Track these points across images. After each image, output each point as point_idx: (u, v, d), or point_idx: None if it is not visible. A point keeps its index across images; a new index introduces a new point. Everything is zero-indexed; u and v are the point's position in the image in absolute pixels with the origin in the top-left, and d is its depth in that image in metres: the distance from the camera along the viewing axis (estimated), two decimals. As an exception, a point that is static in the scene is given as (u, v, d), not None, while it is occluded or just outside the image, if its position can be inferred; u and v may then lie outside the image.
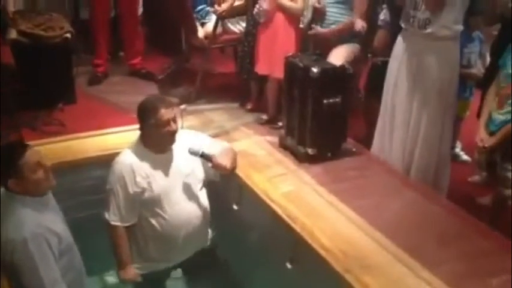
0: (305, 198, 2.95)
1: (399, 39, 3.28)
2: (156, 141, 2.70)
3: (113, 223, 2.69)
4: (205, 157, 2.77)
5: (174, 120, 2.67)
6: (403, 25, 3.22)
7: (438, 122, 3.19)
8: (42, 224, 2.25)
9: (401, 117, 3.27)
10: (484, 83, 3.41)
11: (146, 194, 2.68)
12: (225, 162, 2.77)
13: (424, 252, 2.46)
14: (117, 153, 2.98)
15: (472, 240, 2.61)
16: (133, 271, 2.76)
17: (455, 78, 3.22)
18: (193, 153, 2.76)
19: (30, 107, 3.86)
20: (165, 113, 2.62)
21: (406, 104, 3.23)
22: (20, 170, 2.24)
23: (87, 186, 3.28)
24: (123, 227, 2.71)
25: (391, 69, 3.33)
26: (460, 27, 3.13)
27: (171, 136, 2.69)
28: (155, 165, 2.71)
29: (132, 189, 2.66)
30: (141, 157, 2.70)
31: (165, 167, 2.73)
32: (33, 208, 2.28)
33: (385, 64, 3.46)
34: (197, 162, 2.82)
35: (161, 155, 2.73)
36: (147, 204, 2.71)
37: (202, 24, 4.63)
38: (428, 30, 3.07)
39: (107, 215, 2.70)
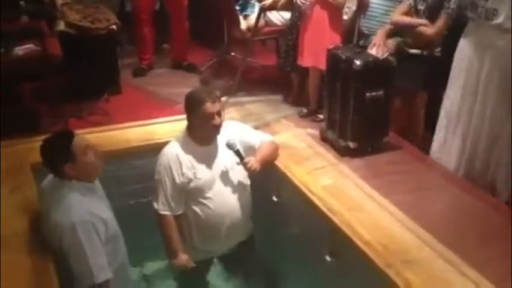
0: (345, 191, 2.93)
1: (465, 32, 3.15)
2: (201, 133, 2.74)
3: (162, 212, 2.75)
4: (238, 155, 2.79)
5: (219, 113, 2.71)
6: (469, 15, 3.10)
7: (504, 118, 3.04)
8: (90, 211, 2.32)
9: (466, 112, 3.17)
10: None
11: (192, 184, 2.73)
12: (255, 165, 2.78)
13: (466, 249, 2.42)
14: (159, 144, 3.05)
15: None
16: (185, 258, 2.79)
17: None
18: (229, 147, 2.78)
19: (77, 97, 3.96)
20: (210, 106, 2.66)
21: (472, 99, 3.12)
22: (73, 153, 2.34)
23: (131, 175, 3.34)
24: (172, 216, 2.76)
25: (458, 63, 3.21)
26: None
27: (215, 129, 2.72)
28: (200, 156, 2.75)
29: (179, 179, 2.71)
30: (187, 148, 2.75)
31: (209, 158, 2.77)
32: (82, 194, 2.36)
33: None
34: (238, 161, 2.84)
35: (206, 147, 2.78)
36: (192, 194, 2.76)
37: (245, 17, 4.64)
38: (497, 21, 2.94)
39: (155, 205, 2.75)
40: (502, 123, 3.04)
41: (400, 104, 3.72)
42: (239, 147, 2.79)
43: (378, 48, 3.30)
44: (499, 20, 2.93)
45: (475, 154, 3.16)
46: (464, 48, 3.17)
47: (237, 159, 2.79)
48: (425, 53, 3.49)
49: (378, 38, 3.48)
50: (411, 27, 3.52)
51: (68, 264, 2.29)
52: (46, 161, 2.41)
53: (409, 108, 3.75)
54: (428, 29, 3.43)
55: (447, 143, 3.30)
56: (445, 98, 3.32)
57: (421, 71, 3.47)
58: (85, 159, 2.38)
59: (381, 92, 3.17)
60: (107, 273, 2.30)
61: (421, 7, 3.51)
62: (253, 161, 2.77)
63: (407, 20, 3.54)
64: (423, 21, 3.47)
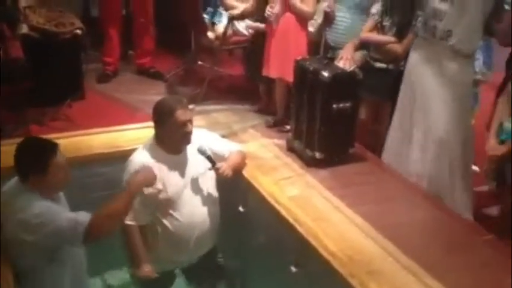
0: (311, 202, 2.94)
1: (414, 47, 3.31)
2: (172, 142, 2.71)
3: (127, 222, 2.67)
4: (210, 160, 2.77)
5: (190, 121, 2.69)
6: (420, 34, 3.26)
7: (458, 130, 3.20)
8: (51, 207, 2.26)
9: (419, 124, 3.27)
10: (498, 93, 3.41)
11: (161, 195, 2.69)
12: (227, 170, 2.77)
13: (429, 260, 2.45)
14: (124, 151, 3.00)
15: (478, 250, 2.60)
16: (148, 268, 2.73)
17: (471, 84, 3.28)
18: (201, 152, 2.76)
19: (39, 102, 3.87)
20: (181, 114, 2.64)
21: (424, 111, 3.24)
22: (47, 168, 2.27)
23: (92, 182, 3.27)
24: (137, 225, 2.70)
25: (408, 76, 3.34)
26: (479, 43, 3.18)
27: (187, 137, 2.69)
28: (169, 166, 2.71)
29: (147, 189, 2.65)
30: (156, 157, 2.70)
31: (179, 167, 2.74)
32: (44, 201, 2.29)
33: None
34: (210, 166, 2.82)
35: (176, 155, 2.74)
36: (161, 204, 2.72)
37: (213, 25, 4.63)
38: (450, 43, 3.09)
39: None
40: (447, 136, 3.17)
41: (366, 115, 3.77)
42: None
43: (346, 61, 3.34)
44: (452, 41, 3.06)
45: (421, 163, 3.26)
46: (412, 62, 3.31)
47: (207, 168, 2.77)
48: (390, 67, 3.56)
49: (346, 51, 3.54)
50: (380, 45, 3.59)
51: (40, 250, 2.25)
52: (17, 162, 2.33)
53: (375, 120, 3.81)
54: (398, 47, 3.52)
55: (402, 155, 3.39)
56: (395, 109, 3.43)
57: (386, 84, 3.54)
58: (55, 176, 2.31)
59: (347, 104, 3.20)
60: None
61: (386, 23, 3.58)
62: (225, 167, 2.75)
63: (376, 37, 3.61)
64: (391, 38, 3.55)
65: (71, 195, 2.60)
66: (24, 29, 4.11)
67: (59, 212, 2.27)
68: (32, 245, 2.26)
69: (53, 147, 2.33)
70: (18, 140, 2.47)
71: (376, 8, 3.62)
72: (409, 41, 3.45)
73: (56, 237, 2.24)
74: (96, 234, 2.27)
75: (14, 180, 2.40)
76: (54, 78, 4.00)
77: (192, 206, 2.76)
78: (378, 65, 3.61)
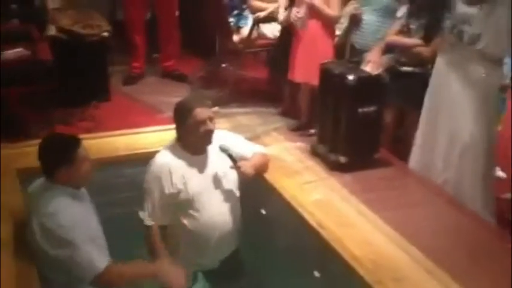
0: (335, 206, 2.91)
1: (441, 51, 3.27)
2: (193, 142, 2.70)
3: (148, 222, 2.69)
4: (232, 159, 2.77)
5: (211, 119, 2.68)
6: (448, 38, 3.21)
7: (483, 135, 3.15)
8: (76, 217, 2.29)
9: (445, 129, 3.23)
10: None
11: (181, 195, 2.69)
12: (249, 169, 2.76)
13: (454, 266, 2.41)
14: (147, 153, 3.02)
15: (503, 257, 2.53)
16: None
17: (498, 89, 3.23)
18: (223, 150, 2.76)
19: (66, 103, 3.92)
20: (201, 111, 2.63)
21: (450, 115, 3.20)
22: (73, 159, 2.32)
23: (117, 184, 3.30)
24: (158, 226, 2.71)
25: (435, 80, 3.30)
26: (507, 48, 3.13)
27: (208, 135, 2.69)
28: (191, 167, 2.71)
29: (168, 189, 2.66)
30: (178, 158, 2.71)
31: (200, 168, 2.74)
32: (69, 200, 2.33)
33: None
34: (231, 165, 2.81)
35: (197, 157, 2.74)
36: (182, 205, 2.71)
37: (238, 28, 4.64)
38: (478, 47, 3.04)
39: (141, 214, 2.70)
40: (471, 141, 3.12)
41: (392, 120, 3.74)
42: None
43: (373, 65, 3.31)
44: (480, 46, 3.02)
45: (448, 164, 3.21)
46: (439, 66, 3.26)
47: (229, 169, 2.76)
48: (417, 70, 3.51)
49: (374, 54, 3.51)
50: (406, 48, 3.55)
51: (61, 266, 2.25)
52: (43, 157, 2.37)
53: (401, 125, 3.77)
54: (425, 50, 3.48)
55: (426, 160, 3.35)
56: (421, 114, 3.38)
57: (413, 88, 3.48)
58: (82, 167, 2.36)
59: (373, 108, 3.17)
60: (105, 259, 2.28)
61: (412, 26, 3.54)
62: (247, 166, 2.74)
63: (403, 40, 3.58)
64: (418, 41, 3.50)
65: (95, 196, 2.62)
66: (52, 30, 4.18)
67: (84, 239, 2.26)
68: (44, 253, 2.29)
69: (76, 140, 2.40)
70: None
71: (402, 11, 3.58)
72: (437, 44, 3.40)
73: (66, 262, 2.25)
74: (104, 284, 2.30)
75: (41, 180, 2.43)
76: (81, 79, 4.05)
77: (213, 207, 2.75)
78: (405, 68, 3.56)
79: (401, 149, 3.62)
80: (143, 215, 2.70)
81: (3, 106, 3.59)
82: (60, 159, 2.32)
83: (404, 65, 3.57)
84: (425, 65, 3.50)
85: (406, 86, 3.53)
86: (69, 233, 2.23)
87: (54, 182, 2.35)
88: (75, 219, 2.28)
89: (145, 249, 2.77)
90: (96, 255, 2.27)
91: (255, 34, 4.41)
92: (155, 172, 2.69)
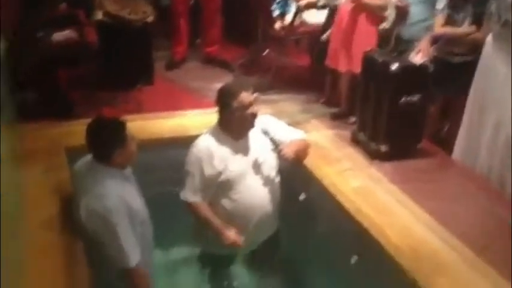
0: (375, 194, 2.91)
1: (490, 38, 3.20)
2: (236, 126, 2.74)
3: (190, 200, 2.73)
4: (273, 142, 2.79)
5: (254, 104, 2.71)
6: (494, 27, 3.14)
7: None
8: (123, 197, 2.35)
9: (491, 116, 3.18)
10: None
11: (221, 177, 2.72)
12: (289, 152, 2.77)
13: (494, 257, 2.39)
14: (189, 136, 3.07)
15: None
16: (233, 233, 2.71)
17: None
18: (265, 132, 2.78)
19: (110, 85, 4.01)
20: (246, 96, 2.66)
21: (495, 105, 3.15)
22: (125, 140, 2.39)
23: (158, 165, 3.36)
24: (201, 201, 2.75)
25: (480, 70, 3.24)
26: None
27: (252, 119, 2.72)
28: (232, 150, 2.75)
29: (208, 172, 2.70)
30: (219, 141, 2.75)
31: (241, 152, 2.77)
32: (116, 181, 2.39)
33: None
34: (272, 149, 2.84)
35: (239, 141, 2.77)
36: (221, 187, 2.75)
37: (281, 15, 4.64)
38: None
39: (183, 194, 2.75)
40: None
41: (440, 111, 3.68)
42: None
43: (423, 54, 3.26)
44: None
45: (493, 153, 3.16)
46: (485, 55, 3.21)
47: (269, 153, 2.79)
48: (471, 58, 3.43)
49: (424, 44, 3.45)
50: (459, 37, 3.49)
51: (99, 247, 2.31)
52: (98, 142, 2.43)
53: (447, 116, 3.72)
54: (479, 35, 3.38)
55: (469, 146, 3.31)
56: (466, 104, 3.32)
57: (465, 78, 3.39)
58: (131, 147, 2.43)
59: (416, 97, 3.14)
60: (137, 257, 2.33)
61: (457, 17, 3.48)
62: (287, 149, 2.76)
63: (455, 31, 3.52)
64: (471, 28, 3.43)
65: (140, 176, 2.68)
66: (98, 15, 4.25)
67: (125, 228, 2.31)
68: (86, 232, 2.36)
69: (122, 121, 2.46)
70: (88, 121, 2.56)
71: (442, 3, 3.52)
72: (485, 31, 3.32)
73: (103, 245, 2.31)
74: (128, 279, 2.35)
75: (87, 160, 2.49)
76: (126, 63, 4.13)
77: (252, 190, 2.78)
78: (458, 59, 3.50)
79: (449, 140, 3.57)
80: (184, 194, 2.75)
81: (52, 87, 3.70)
82: (115, 141, 2.38)
83: (457, 55, 3.50)
84: (476, 52, 3.41)
85: (457, 77, 3.46)
86: (113, 217, 2.28)
87: (104, 163, 2.41)
88: (121, 204, 2.32)
89: (195, 226, 2.82)
90: (131, 250, 2.31)
91: (297, 21, 4.40)
92: (196, 154, 2.74)
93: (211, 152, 2.72)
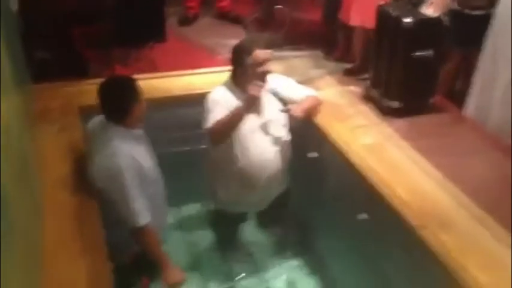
0: (385, 151, 2.90)
1: None
2: (249, 82, 2.74)
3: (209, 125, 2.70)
4: (283, 102, 2.79)
5: (268, 61, 2.72)
6: None
7: None
8: (134, 156, 2.40)
9: (504, 73, 3.13)
10: None
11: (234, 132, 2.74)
12: (298, 111, 2.77)
13: (504, 215, 2.37)
14: (201, 94, 3.07)
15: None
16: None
17: None
18: (274, 93, 2.79)
19: (123, 43, 4.01)
20: (260, 53, 2.69)
21: (508, 60, 3.08)
22: (139, 94, 2.43)
23: (171, 123, 3.39)
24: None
25: (495, 24, 3.17)
26: None
27: (264, 76, 2.73)
28: None
29: (227, 108, 2.70)
30: (232, 94, 2.78)
31: (253, 108, 2.78)
32: (128, 140, 2.44)
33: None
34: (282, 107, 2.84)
35: None
36: (233, 141, 2.77)
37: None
38: None
39: (205, 124, 2.71)
40: None
41: (454, 66, 3.62)
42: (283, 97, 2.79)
43: (436, 7, 3.18)
44: None
45: (505, 110, 3.12)
46: (500, 10, 3.12)
47: (279, 110, 2.79)
48: (489, 12, 3.31)
49: None
50: None
51: (111, 205, 2.37)
52: (112, 100, 2.46)
53: (462, 71, 3.65)
54: None
55: (482, 102, 3.27)
56: (481, 57, 3.26)
57: (482, 32, 3.30)
58: (142, 105, 2.47)
59: (430, 52, 3.08)
60: (147, 216, 2.38)
61: None
62: (296, 108, 2.77)
63: None
64: None
65: (151, 135, 2.72)
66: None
67: (135, 187, 2.35)
68: (99, 190, 2.42)
69: (133, 79, 2.50)
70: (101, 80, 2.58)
71: None
72: None
73: (115, 203, 2.37)
74: (136, 237, 2.42)
75: (100, 119, 2.53)
76: (138, 20, 4.09)
77: (262, 147, 2.81)
78: (477, 12, 3.41)
79: (463, 96, 3.52)
80: (206, 124, 2.71)
81: (66, 45, 3.71)
82: (130, 98, 2.42)
83: (477, 8, 3.41)
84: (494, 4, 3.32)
85: (476, 31, 3.36)
86: (123, 175, 2.33)
87: (116, 123, 2.44)
88: (131, 163, 2.37)
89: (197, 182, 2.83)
90: (141, 209, 2.36)
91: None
92: (214, 97, 2.77)
93: (226, 100, 2.75)
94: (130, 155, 2.39)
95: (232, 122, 2.68)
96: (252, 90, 2.64)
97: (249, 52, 2.70)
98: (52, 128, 2.94)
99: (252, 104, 2.67)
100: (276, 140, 2.85)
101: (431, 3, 3.26)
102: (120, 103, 2.44)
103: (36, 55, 3.57)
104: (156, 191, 2.55)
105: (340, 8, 3.83)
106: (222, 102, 2.74)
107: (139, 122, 2.53)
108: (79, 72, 3.59)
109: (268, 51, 2.75)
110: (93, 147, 2.50)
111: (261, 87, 2.66)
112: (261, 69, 2.71)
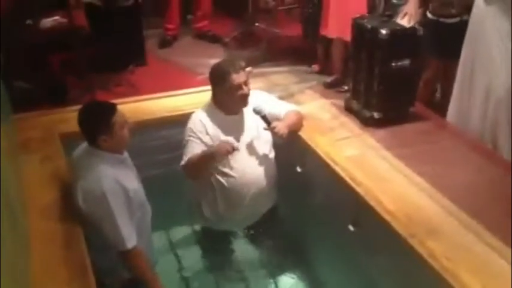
0: (369, 162, 2.92)
1: (477, 2, 3.16)
2: (228, 104, 2.77)
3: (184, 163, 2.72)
4: (265, 120, 2.80)
5: (246, 83, 2.72)
6: None
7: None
8: (119, 181, 2.38)
9: (481, 81, 3.17)
10: None
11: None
12: (282, 128, 2.79)
13: (491, 220, 2.40)
14: (184, 115, 3.08)
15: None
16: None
17: None
18: (256, 112, 2.80)
19: (103, 69, 4.00)
20: (236, 77, 2.68)
21: (486, 67, 3.13)
22: (112, 127, 2.39)
23: (155, 145, 3.38)
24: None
25: (471, 32, 3.22)
26: None
27: (244, 99, 2.74)
28: (226, 125, 2.78)
29: (204, 139, 2.72)
30: (213, 116, 2.79)
31: (235, 127, 2.80)
32: (112, 165, 2.42)
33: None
34: (265, 125, 2.85)
35: (232, 116, 2.80)
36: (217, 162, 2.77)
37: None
38: None
39: (183, 161, 2.73)
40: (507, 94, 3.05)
41: (434, 75, 3.66)
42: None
43: (410, 17, 3.23)
44: None
45: (485, 116, 3.18)
46: (475, 18, 3.17)
47: (263, 129, 2.80)
48: (465, 18, 3.36)
49: (410, 7, 3.41)
50: None
51: (98, 230, 2.35)
52: (83, 128, 2.46)
53: (439, 78, 3.70)
54: None
55: (463, 112, 3.30)
56: (458, 66, 3.30)
57: (457, 40, 3.35)
58: (120, 133, 2.43)
59: (407, 62, 3.12)
60: (134, 239, 2.37)
61: None
62: (280, 126, 2.78)
63: None
64: None
65: (135, 158, 2.71)
66: (87, -3, 4.23)
67: (122, 210, 2.34)
68: (84, 217, 2.39)
69: (112, 107, 2.45)
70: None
71: None
72: None
73: (101, 228, 2.35)
74: (124, 261, 2.40)
75: (84, 146, 2.52)
76: (117, 45, 4.11)
77: (246, 166, 2.82)
78: (449, 20, 3.47)
79: (443, 103, 3.57)
80: (184, 161, 2.72)
81: (45, 73, 3.71)
82: (98, 128, 2.39)
83: (450, 16, 3.46)
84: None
85: (450, 38, 3.43)
86: (108, 199, 2.31)
87: (99, 148, 2.43)
88: (116, 187, 2.36)
89: (183, 205, 2.82)
90: (128, 233, 2.35)
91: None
92: (190, 126, 2.77)
93: (205, 126, 2.77)
94: (115, 178, 2.38)
95: (203, 164, 2.70)
96: (221, 148, 2.63)
97: (225, 77, 2.69)
98: (35, 157, 2.92)
99: (219, 160, 2.70)
100: (260, 157, 2.86)
101: (405, 14, 3.32)
102: (89, 131, 2.43)
103: (15, 85, 3.56)
104: (143, 215, 2.54)
105: (320, 23, 3.86)
106: (198, 131, 2.74)
107: (123, 145, 2.52)
108: (59, 99, 3.58)
109: (245, 72, 2.76)
110: (78, 173, 2.48)
111: (232, 147, 2.64)
112: (238, 93, 2.71)
